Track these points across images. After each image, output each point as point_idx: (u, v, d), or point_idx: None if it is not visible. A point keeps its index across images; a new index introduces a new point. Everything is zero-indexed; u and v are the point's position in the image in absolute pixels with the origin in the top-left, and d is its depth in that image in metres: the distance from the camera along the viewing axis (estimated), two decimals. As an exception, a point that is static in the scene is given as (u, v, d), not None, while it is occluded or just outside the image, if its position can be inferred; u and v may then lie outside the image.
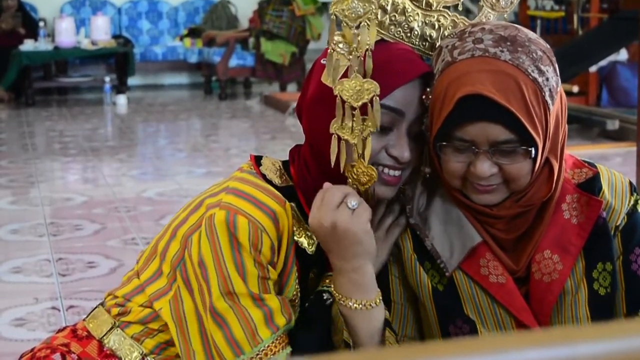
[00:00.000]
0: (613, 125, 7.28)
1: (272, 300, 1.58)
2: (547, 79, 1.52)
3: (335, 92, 1.53)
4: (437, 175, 1.63)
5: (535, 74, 1.51)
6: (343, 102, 1.54)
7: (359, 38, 1.53)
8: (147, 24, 12.10)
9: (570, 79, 8.12)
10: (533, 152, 1.51)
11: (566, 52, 8.22)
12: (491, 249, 1.62)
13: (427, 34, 1.65)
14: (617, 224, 1.66)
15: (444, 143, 1.54)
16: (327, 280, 1.68)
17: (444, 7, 1.66)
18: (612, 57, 8.58)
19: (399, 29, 1.63)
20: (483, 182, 1.55)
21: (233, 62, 10.78)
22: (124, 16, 12.03)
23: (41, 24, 10.70)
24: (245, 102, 10.78)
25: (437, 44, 1.64)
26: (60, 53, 10.45)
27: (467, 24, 1.65)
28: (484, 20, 1.66)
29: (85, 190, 5.75)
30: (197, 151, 7.33)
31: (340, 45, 1.54)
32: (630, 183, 1.70)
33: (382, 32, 1.61)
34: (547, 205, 1.62)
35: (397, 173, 1.62)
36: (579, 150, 6.89)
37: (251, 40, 11.02)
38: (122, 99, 10.37)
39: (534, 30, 10.01)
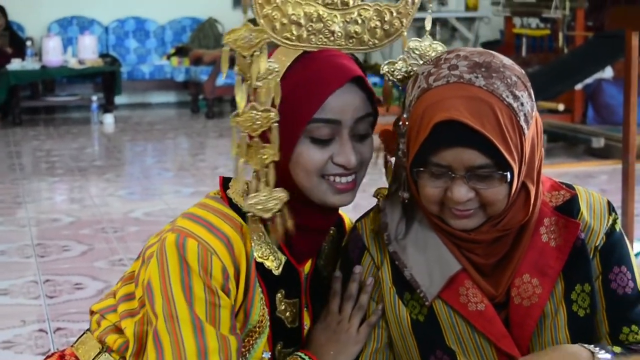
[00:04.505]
0: (598, 142, 7.31)
1: (212, 338, 1.54)
2: (522, 104, 1.53)
3: (232, 123, 1.52)
4: (415, 201, 1.63)
5: (510, 99, 1.52)
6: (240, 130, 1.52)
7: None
8: (134, 43, 12.11)
9: (556, 97, 8.16)
10: (509, 176, 1.53)
11: (552, 70, 8.26)
12: (470, 276, 1.62)
13: (352, 31, 1.63)
14: (597, 244, 1.66)
15: (421, 169, 1.55)
16: None
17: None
18: (597, 75, 8.63)
19: (320, 36, 1.60)
20: (460, 207, 1.56)
21: (220, 80, 10.79)
22: (111, 35, 12.03)
23: (28, 43, 10.69)
24: (232, 121, 10.77)
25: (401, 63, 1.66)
26: (48, 72, 10.45)
27: (392, 10, 1.64)
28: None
29: (73, 211, 5.74)
30: (184, 170, 7.34)
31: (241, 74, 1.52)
32: (609, 203, 1.70)
33: (302, 45, 1.59)
34: (525, 229, 1.63)
35: (349, 179, 1.62)
36: (564, 168, 6.92)
37: (238, 59, 11.02)
38: (109, 118, 10.37)
39: (519, 48, 10.08)
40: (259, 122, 1.52)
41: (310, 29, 1.59)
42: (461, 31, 12.14)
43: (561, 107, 8.23)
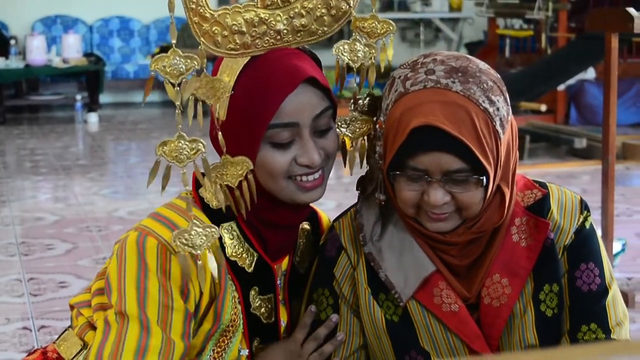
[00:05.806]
0: (581, 143, 7.34)
1: (156, 338, 1.54)
2: (498, 109, 1.55)
3: (157, 152, 1.49)
4: (392, 203, 1.65)
5: (486, 104, 1.54)
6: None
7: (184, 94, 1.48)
8: (118, 42, 12.10)
9: (539, 97, 8.20)
10: (484, 180, 1.55)
11: (535, 71, 8.31)
12: (444, 277, 1.64)
13: (298, 24, 1.60)
14: (565, 243, 1.67)
15: (398, 172, 1.57)
16: None
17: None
18: (580, 76, 8.67)
19: (266, 38, 1.58)
20: (436, 210, 1.58)
21: (205, 80, 10.77)
22: (95, 34, 12.02)
23: (12, 41, 10.66)
24: (217, 120, 10.75)
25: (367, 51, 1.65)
26: (32, 71, 10.42)
27: None
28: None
29: (57, 210, 5.74)
30: (168, 170, 7.32)
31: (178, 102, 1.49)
32: (582, 201, 1.71)
33: (249, 51, 1.57)
34: (498, 231, 1.65)
35: (316, 176, 1.63)
36: (547, 169, 6.96)
37: (223, 59, 11.02)
38: (93, 117, 10.36)
39: (503, 48, 10.13)
40: (185, 153, 1.49)
41: (254, 34, 1.56)
42: (445, 32, 12.18)
43: (544, 107, 8.28)
